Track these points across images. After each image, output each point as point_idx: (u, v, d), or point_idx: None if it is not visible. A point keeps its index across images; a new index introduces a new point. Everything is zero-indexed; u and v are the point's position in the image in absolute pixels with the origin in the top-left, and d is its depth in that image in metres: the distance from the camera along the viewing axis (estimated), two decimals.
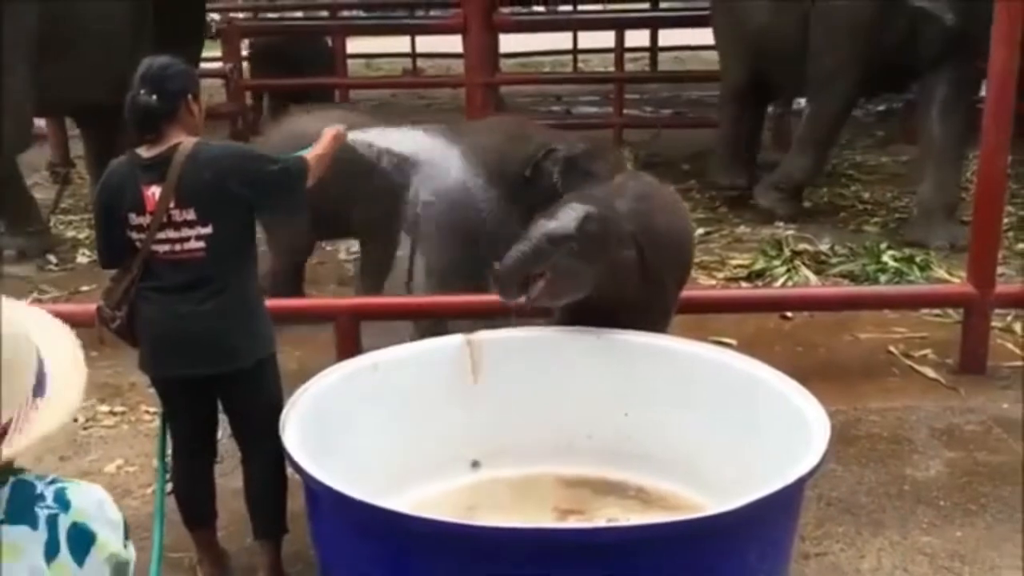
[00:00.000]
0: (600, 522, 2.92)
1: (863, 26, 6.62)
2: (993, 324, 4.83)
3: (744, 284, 6.01)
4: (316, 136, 3.21)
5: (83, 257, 6.64)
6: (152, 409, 4.25)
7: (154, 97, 2.84)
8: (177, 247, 2.86)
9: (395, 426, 3.16)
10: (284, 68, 10.18)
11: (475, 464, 3.31)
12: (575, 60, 14.96)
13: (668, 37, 13.92)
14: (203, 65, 9.90)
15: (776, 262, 6.21)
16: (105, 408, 4.40)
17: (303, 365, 4.11)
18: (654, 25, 13.93)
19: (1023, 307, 5.15)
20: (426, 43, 14.44)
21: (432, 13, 14.42)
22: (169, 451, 3.14)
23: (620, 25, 11.47)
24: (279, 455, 2.73)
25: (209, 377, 2.97)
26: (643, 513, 3.05)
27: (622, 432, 3.27)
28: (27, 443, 1.33)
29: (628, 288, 3.24)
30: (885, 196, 7.96)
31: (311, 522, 2.75)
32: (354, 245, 6.30)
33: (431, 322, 4.60)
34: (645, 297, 3.30)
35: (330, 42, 11.49)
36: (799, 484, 2.50)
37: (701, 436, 3.13)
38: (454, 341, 3.33)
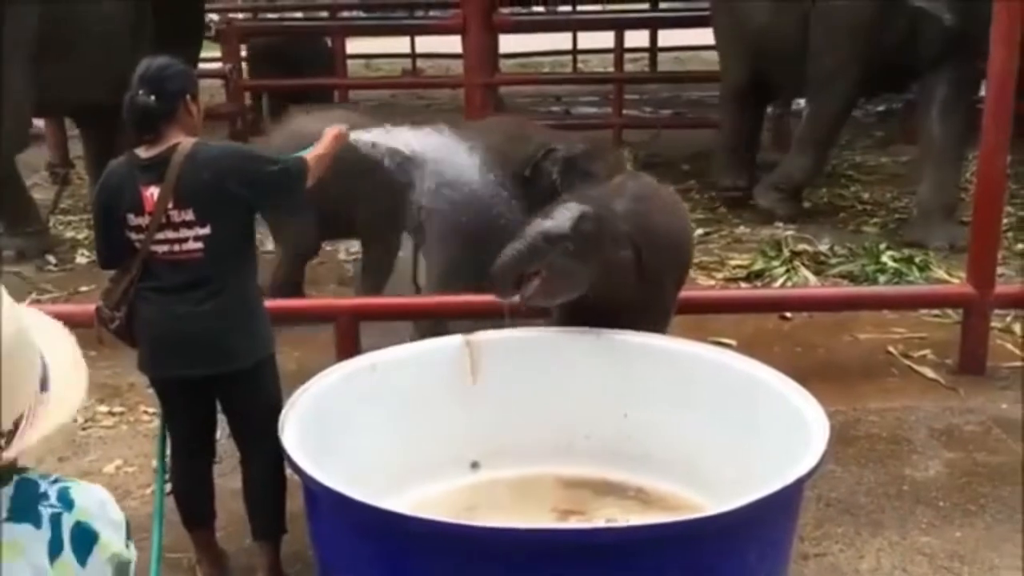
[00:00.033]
0: (599, 523, 2.91)
1: (863, 26, 6.62)
2: (992, 324, 4.83)
3: (743, 284, 6.01)
4: (318, 136, 3.21)
5: (82, 257, 6.64)
6: (151, 409, 4.25)
7: (153, 97, 2.84)
8: (176, 248, 2.86)
9: (394, 426, 3.15)
10: (283, 69, 10.18)
11: (474, 465, 3.31)
12: (574, 60, 14.96)
13: (667, 37, 13.92)
14: (202, 65, 9.91)
15: (775, 262, 6.21)
16: (104, 408, 4.40)
17: (302, 365, 4.11)
18: (653, 25, 13.93)
19: (1022, 307, 5.15)
20: (425, 43, 14.44)
21: (431, 14, 14.43)
22: (168, 451, 3.14)
23: (619, 25, 11.46)
24: (278, 455, 2.72)
25: (208, 377, 2.97)
26: (642, 513, 3.05)
27: (621, 432, 3.26)
28: (38, 437, 1.33)
29: (625, 288, 3.24)
30: (884, 196, 7.97)
31: (310, 522, 2.75)
32: (354, 245, 6.31)
33: (431, 322, 4.60)
34: (642, 297, 3.30)
35: (330, 42, 11.48)
36: (798, 484, 2.50)
37: (700, 436, 3.13)
38: (453, 342, 3.33)
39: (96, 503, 1.42)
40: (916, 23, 6.36)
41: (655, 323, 3.40)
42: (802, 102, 7.97)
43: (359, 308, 4.76)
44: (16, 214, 6.82)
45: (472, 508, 3.10)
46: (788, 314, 5.39)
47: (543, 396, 3.28)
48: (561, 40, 14.28)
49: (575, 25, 13.48)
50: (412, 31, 14.04)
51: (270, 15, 15.21)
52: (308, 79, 10.05)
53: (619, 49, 11.14)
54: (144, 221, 2.85)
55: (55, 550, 1.35)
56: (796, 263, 6.19)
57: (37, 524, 1.34)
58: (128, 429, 4.29)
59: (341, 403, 3.03)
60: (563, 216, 3.14)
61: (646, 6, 15.40)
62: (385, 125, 4.36)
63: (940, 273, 5.93)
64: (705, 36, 9.42)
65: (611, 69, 11.91)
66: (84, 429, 4.23)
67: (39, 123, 8.66)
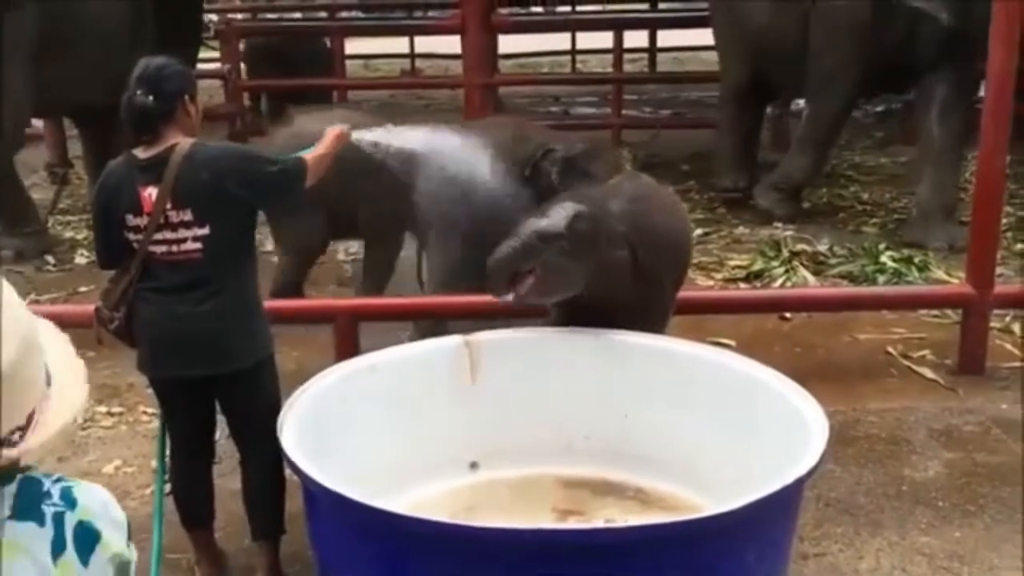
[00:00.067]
0: (599, 523, 2.91)
1: (863, 26, 6.62)
2: (992, 325, 4.83)
3: (743, 285, 6.01)
4: (321, 136, 3.21)
5: (81, 258, 6.63)
6: (150, 410, 4.24)
7: (151, 98, 2.83)
8: (174, 248, 2.86)
9: (393, 427, 3.15)
10: (282, 69, 10.18)
11: (474, 465, 3.31)
12: (573, 61, 14.96)
13: (667, 38, 13.91)
14: (201, 66, 9.91)
15: (775, 263, 6.22)
16: (103, 409, 4.40)
17: (301, 366, 4.11)
18: (653, 26, 13.93)
19: (1022, 308, 5.15)
20: (424, 44, 14.45)
21: (430, 14, 14.40)
22: (167, 452, 3.14)
23: (618, 26, 11.46)
24: (277, 456, 2.72)
25: (207, 378, 2.97)
26: (642, 514, 3.05)
27: (621, 433, 3.26)
28: (47, 435, 1.34)
29: (620, 288, 3.24)
30: (884, 197, 7.97)
31: (309, 523, 2.75)
32: (352, 246, 6.32)
33: (431, 323, 4.60)
34: (639, 297, 3.30)
35: (328, 43, 11.48)
36: (798, 485, 2.49)
37: (700, 437, 3.13)
38: (452, 342, 3.33)
39: (98, 503, 1.42)
40: (916, 23, 6.37)
41: (653, 323, 3.40)
42: (801, 102, 7.98)
43: (358, 308, 4.76)
44: (15, 214, 6.82)
45: (471, 508, 3.10)
46: (787, 314, 5.39)
47: (542, 396, 3.28)
48: (560, 40, 14.28)
49: (574, 25, 13.48)
50: (411, 31, 14.04)
51: (269, 15, 15.20)
52: (307, 79, 10.05)
53: (618, 49, 11.14)
54: (143, 222, 2.85)
55: (58, 549, 1.35)
56: (795, 263, 6.19)
57: (41, 523, 1.34)
58: (127, 429, 4.29)
59: (340, 403, 3.03)
60: (558, 215, 3.15)
61: (645, 6, 15.40)
62: (387, 125, 4.38)
63: (939, 273, 5.93)
64: (704, 36, 9.42)
65: (610, 69, 11.91)
66: (83, 429, 4.22)
67: (38, 123, 8.66)
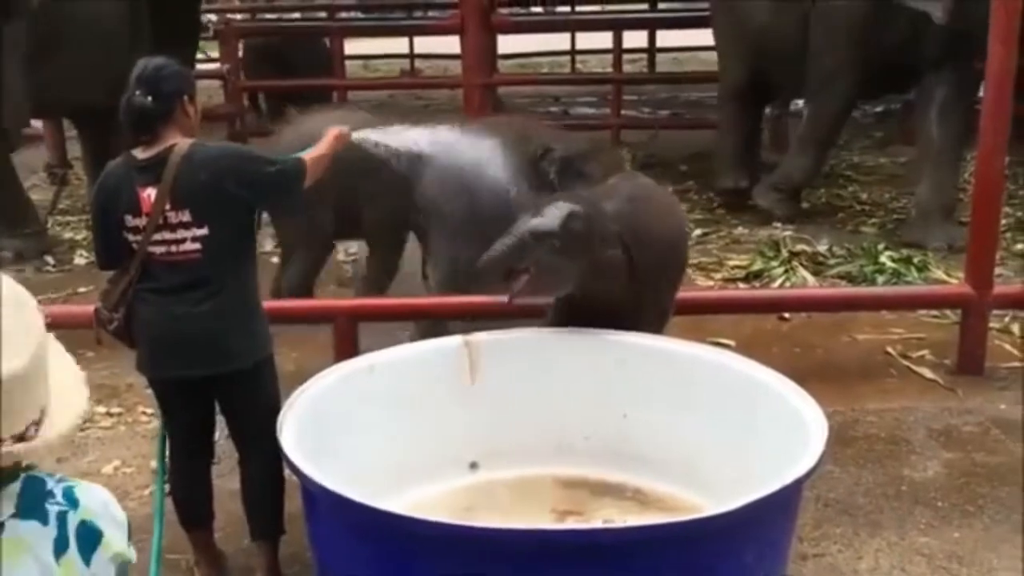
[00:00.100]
0: (597, 523, 2.92)
1: (863, 26, 6.62)
2: (991, 325, 4.83)
3: (742, 285, 6.01)
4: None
5: (80, 258, 6.63)
6: (149, 410, 4.24)
7: (149, 98, 2.83)
8: (173, 248, 2.86)
9: (393, 427, 3.15)
10: (281, 69, 10.18)
11: (473, 465, 3.31)
12: (573, 61, 14.95)
13: (666, 38, 13.90)
14: (201, 66, 9.91)
15: (774, 263, 6.22)
16: (102, 409, 4.39)
17: (301, 366, 4.11)
18: (652, 26, 13.91)
19: (1021, 308, 5.16)
20: (424, 44, 14.44)
21: (430, 14, 14.39)
22: (167, 452, 3.14)
23: (618, 26, 11.46)
24: (276, 456, 2.72)
25: (206, 378, 2.97)
26: (641, 514, 3.05)
27: (620, 433, 3.27)
28: (58, 432, 1.36)
29: (614, 287, 3.25)
30: (883, 197, 7.96)
31: (308, 523, 2.75)
32: (352, 246, 6.32)
33: (431, 323, 4.61)
34: (634, 297, 3.31)
35: (328, 43, 11.48)
36: (797, 485, 2.50)
37: (699, 437, 3.13)
38: (452, 342, 3.33)
39: (99, 503, 1.43)
40: (915, 23, 6.36)
41: (648, 323, 3.41)
42: (801, 103, 7.98)
43: (357, 309, 4.76)
44: (14, 215, 6.82)
45: (470, 509, 3.10)
46: (787, 315, 5.39)
47: (542, 397, 3.28)
48: (559, 40, 14.27)
49: (573, 26, 13.47)
50: (410, 32, 14.01)
51: (268, 16, 15.20)
52: (306, 80, 10.05)
53: (617, 50, 11.13)
54: (141, 222, 2.85)
55: (61, 548, 1.36)
56: (794, 263, 6.19)
57: (44, 521, 1.35)
58: (126, 430, 4.28)
59: (339, 404, 3.03)
60: (552, 214, 3.16)
61: (644, 7, 15.37)
62: (391, 124, 4.39)
63: (938, 273, 5.93)
64: (703, 37, 9.42)
65: (609, 70, 11.89)
66: (82, 430, 4.20)
67: (37, 124, 8.66)
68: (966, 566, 3.25)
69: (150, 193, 2.83)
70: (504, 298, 3.20)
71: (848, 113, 7.53)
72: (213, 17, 12.84)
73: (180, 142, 2.86)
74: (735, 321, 5.18)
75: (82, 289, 5.75)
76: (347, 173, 4.05)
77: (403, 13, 15.97)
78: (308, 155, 3.08)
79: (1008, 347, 4.98)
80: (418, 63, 15.18)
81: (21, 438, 1.32)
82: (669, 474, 3.17)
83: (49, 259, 6.72)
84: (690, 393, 3.17)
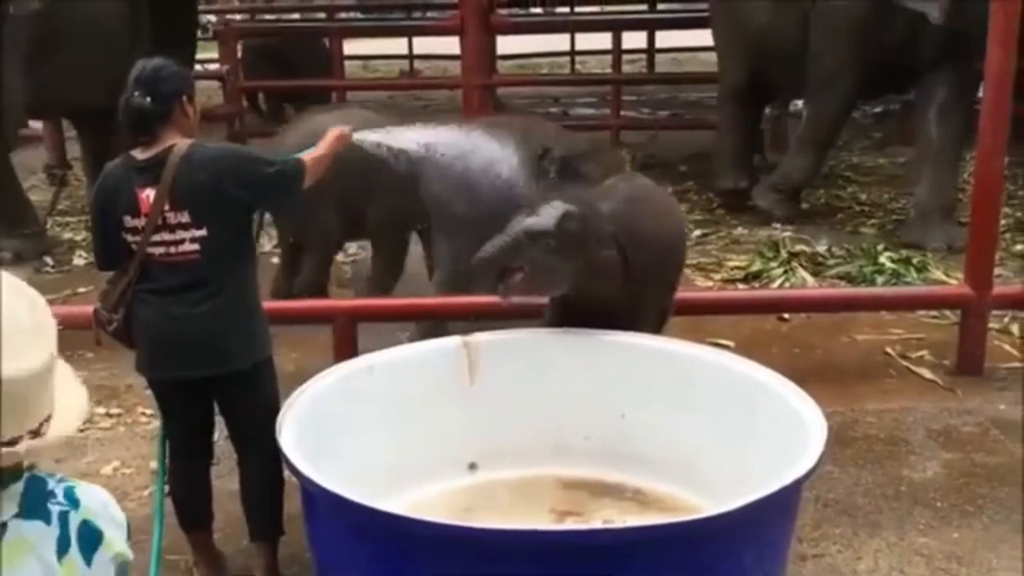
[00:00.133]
0: (597, 524, 2.91)
1: (863, 26, 6.62)
2: (990, 325, 4.83)
3: (741, 286, 6.01)
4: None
5: (80, 259, 6.63)
6: (148, 411, 4.24)
7: (148, 99, 2.83)
8: (172, 249, 2.85)
9: (392, 428, 3.15)
10: (281, 70, 10.18)
11: (472, 466, 3.31)
12: (572, 62, 14.96)
13: (665, 39, 13.92)
14: (200, 67, 9.91)
15: (773, 263, 6.22)
16: (101, 410, 4.39)
17: (300, 367, 4.11)
18: (651, 27, 13.93)
19: (1020, 308, 5.16)
20: (423, 45, 14.45)
21: (429, 15, 14.42)
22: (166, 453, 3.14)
23: (617, 27, 11.48)
24: (276, 457, 2.72)
25: (206, 379, 2.97)
26: (640, 515, 3.05)
27: (619, 434, 3.26)
28: (62, 433, 1.38)
29: (609, 288, 3.25)
30: (882, 197, 7.97)
31: (308, 524, 2.75)
32: (352, 247, 6.32)
33: (432, 323, 4.61)
34: (629, 298, 3.31)
35: (327, 44, 11.48)
36: (796, 486, 2.50)
37: (698, 438, 3.13)
38: (451, 343, 3.33)
39: (99, 503, 1.44)
40: (915, 24, 6.36)
41: (647, 324, 3.41)
42: (800, 103, 7.98)
43: (357, 309, 4.77)
44: (13, 216, 6.82)
45: (470, 509, 3.10)
46: (786, 315, 5.39)
47: (541, 397, 3.28)
48: (559, 41, 14.28)
49: (573, 26, 13.48)
50: (410, 32, 14.03)
51: (267, 16, 15.20)
52: (305, 80, 10.05)
53: (617, 50, 11.15)
54: (140, 223, 2.84)
55: (63, 548, 1.37)
56: (794, 264, 6.19)
57: (47, 521, 1.36)
58: (125, 431, 4.28)
59: (339, 404, 3.03)
60: (548, 214, 3.17)
61: (644, 7, 15.40)
62: (396, 124, 4.40)
63: (938, 274, 5.94)
64: (703, 37, 9.43)
65: (609, 70, 11.92)
66: (81, 431, 4.21)
67: (37, 125, 8.66)
68: (965, 566, 3.25)
69: (149, 194, 2.82)
70: (498, 297, 3.20)
71: (848, 113, 7.53)
72: (212, 18, 12.85)
73: (179, 143, 2.86)
74: (734, 322, 5.18)
75: (81, 290, 5.75)
76: (351, 173, 4.05)
77: (402, 14, 15.99)
78: (308, 155, 3.08)
79: (1007, 347, 4.98)
80: (417, 64, 15.20)
81: (35, 434, 1.33)
82: (669, 474, 3.17)
83: (48, 260, 6.72)
84: (689, 394, 3.17)
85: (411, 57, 15.07)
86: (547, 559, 2.30)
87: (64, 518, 1.38)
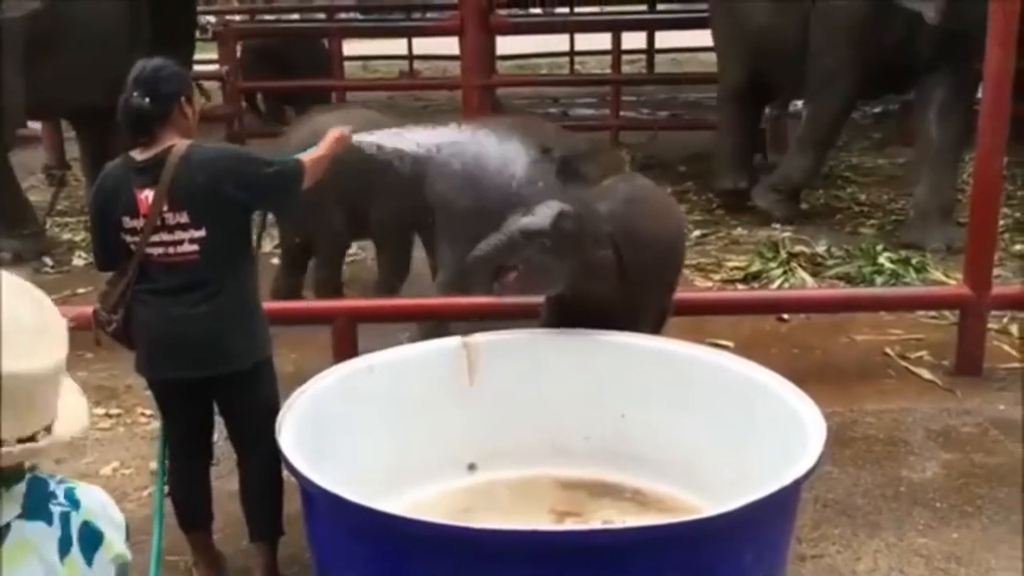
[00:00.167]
0: (596, 524, 2.92)
1: (863, 26, 6.62)
2: (989, 326, 4.83)
3: (740, 286, 6.01)
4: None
5: (79, 259, 6.63)
6: (148, 412, 4.24)
7: (147, 100, 2.83)
8: (171, 250, 2.85)
9: (391, 428, 3.15)
10: (280, 71, 10.18)
11: (471, 466, 3.31)
12: (572, 62, 14.97)
13: (665, 39, 13.93)
14: (200, 68, 9.90)
15: (772, 264, 6.22)
16: (101, 411, 4.39)
17: (300, 367, 4.11)
18: (651, 27, 13.94)
19: (1019, 309, 5.16)
20: (423, 45, 14.45)
21: (429, 15, 14.44)
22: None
23: (617, 27, 11.48)
24: (275, 457, 2.72)
25: (205, 379, 2.96)
26: (639, 515, 3.05)
27: (619, 434, 3.27)
28: (68, 433, 1.39)
29: (604, 288, 3.26)
30: (881, 198, 7.97)
31: (307, 524, 2.75)
32: (351, 247, 6.32)
33: (433, 324, 4.61)
34: (625, 298, 3.32)
35: (327, 44, 11.49)
36: (795, 486, 2.50)
37: (698, 438, 3.14)
38: (450, 343, 3.33)
39: (99, 504, 1.45)
40: (914, 24, 6.36)
41: (643, 324, 3.41)
42: (799, 104, 7.98)
43: (356, 310, 4.77)
44: (12, 216, 6.82)
45: (469, 510, 3.10)
46: (785, 316, 5.39)
47: (540, 397, 3.29)
48: (558, 42, 14.29)
49: (572, 27, 13.48)
50: (409, 33, 14.04)
51: (267, 17, 15.20)
52: (305, 81, 10.05)
53: (616, 51, 11.15)
54: (139, 224, 2.84)
55: (65, 548, 1.37)
56: (793, 264, 6.19)
57: (49, 522, 1.37)
58: (125, 431, 4.28)
59: (338, 405, 3.03)
60: (543, 213, 3.17)
61: (643, 8, 15.41)
62: (399, 124, 4.40)
63: (937, 274, 5.94)
64: (702, 38, 9.44)
65: (608, 71, 11.92)
66: None
67: (36, 125, 8.65)
68: (964, 567, 3.25)
69: (148, 195, 2.82)
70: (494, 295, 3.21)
71: (848, 114, 7.53)
72: (212, 18, 12.85)
73: (178, 143, 2.86)
74: (734, 322, 5.18)
75: (81, 290, 5.74)
76: (355, 173, 4.05)
77: (402, 14, 16.02)
78: (307, 156, 3.08)
79: (1006, 348, 4.98)
80: (417, 64, 15.21)
81: (48, 430, 1.35)
82: (668, 475, 3.17)
83: (47, 260, 6.73)
84: (689, 394, 3.17)
85: (411, 58, 15.08)
86: (546, 560, 2.30)
87: (65, 519, 1.38)
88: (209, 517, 3.22)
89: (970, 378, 4.63)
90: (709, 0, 8.43)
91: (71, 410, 1.41)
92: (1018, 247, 6.48)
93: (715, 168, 7.97)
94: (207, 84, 11.39)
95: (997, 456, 3.96)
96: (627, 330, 3.31)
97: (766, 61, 7.40)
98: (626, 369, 3.25)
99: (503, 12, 10.65)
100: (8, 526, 1.33)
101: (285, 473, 2.87)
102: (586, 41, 14.02)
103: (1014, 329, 5.17)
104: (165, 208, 2.82)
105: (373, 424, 3.12)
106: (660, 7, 15.87)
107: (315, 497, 2.54)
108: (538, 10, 17.90)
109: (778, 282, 5.99)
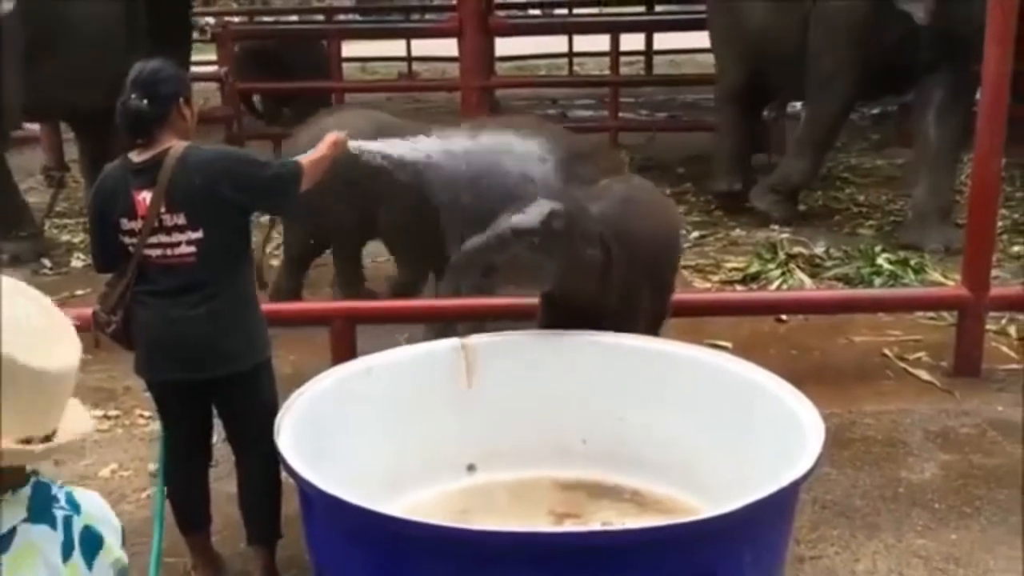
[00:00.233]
0: (595, 526, 2.92)
1: (863, 26, 6.63)
2: (987, 327, 4.84)
3: (739, 287, 6.02)
4: (353, 136, 3.24)
5: (77, 261, 6.64)
6: (147, 413, 4.24)
7: (145, 101, 2.83)
8: (168, 252, 2.85)
9: (390, 430, 3.15)
10: (279, 72, 10.17)
11: (470, 468, 3.31)
12: (570, 63, 14.99)
13: (663, 41, 13.94)
14: (197, 69, 9.90)
15: (771, 265, 6.22)
16: (99, 412, 4.38)
17: (298, 369, 4.11)
18: (649, 29, 13.94)
19: (1017, 310, 5.16)
20: (421, 47, 14.46)
21: (427, 17, 14.45)
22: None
23: (615, 29, 11.48)
24: (274, 459, 2.71)
25: (204, 381, 2.97)
26: (638, 517, 3.05)
27: (617, 435, 3.26)
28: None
29: (591, 287, 3.26)
30: (880, 199, 7.98)
31: (306, 526, 2.75)
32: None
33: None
34: (619, 298, 3.32)
35: (326, 46, 11.49)
36: (794, 487, 2.49)
37: (696, 439, 3.13)
38: (448, 345, 3.33)
39: (97, 508, 1.46)
40: (914, 25, 6.36)
41: (637, 324, 3.41)
42: (798, 105, 7.98)
43: (354, 311, 4.76)
44: (11, 218, 6.82)
45: (468, 511, 3.10)
46: (784, 317, 5.39)
47: (539, 399, 3.28)
48: (557, 43, 14.30)
49: (571, 28, 13.50)
50: (408, 34, 14.05)
51: (265, 18, 15.21)
52: (304, 82, 10.05)
53: (615, 52, 11.16)
54: (137, 225, 2.84)
55: (67, 552, 1.38)
56: (792, 266, 6.19)
57: (53, 525, 1.38)
58: (123, 433, 4.28)
59: (337, 407, 3.02)
60: (534, 211, 3.18)
61: (642, 9, 15.42)
62: (408, 125, 4.40)
63: (935, 275, 5.94)
64: (701, 39, 9.44)
65: (607, 72, 11.92)
66: None
67: (34, 126, 8.65)
68: (963, 567, 3.25)
69: (145, 196, 2.82)
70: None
71: (847, 115, 7.53)
72: (211, 20, 12.85)
73: (176, 145, 2.86)
74: (732, 323, 5.18)
75: (79, 292, 5.74)
76: (361, 174, 4.05)
77: (401, 16, 16.03)
78: (306, 158, 3.08)
79: (1005, 349, 4.98)
80: (416, 65, 15.22)
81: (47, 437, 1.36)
82: (667, 476, 3.17)
83: (46, 262, 6.73)
84: (687, 395, 3.17)
85: (409, 59, 15.09)
86: (545, 561, 2.30)
87: (68, 522, 1.39)
88: (208, 519, 3.22)
89: (968, 379, 4.64)
90: (707, 1, 8.44)
91: (73, 411, 1.42)
92: (1016, 248, 6.49)
93: (711, 169, 7.97)
94: (206, 85, 11.38)
95: (996, 457, 3.96)
96: (620, 330, 3.31)
97: (764, 62, 7.40)
98: (625, 370, 3.25)
99: (502, 13, 10.65)
100: (14, 530, 1.33)
101: (284, 475, 2.87)
102: (584, 42, 14.03)
103: (1012, 330, 5.17)
104: (163, 210, 2.82)
105: (371, 426, 3.11)
106: (658, 9, 15.88)
107: (313, 499, 2.54)
108: (537, 11, 17.91)
109: (776, 283, 5.99)
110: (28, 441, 1.31)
